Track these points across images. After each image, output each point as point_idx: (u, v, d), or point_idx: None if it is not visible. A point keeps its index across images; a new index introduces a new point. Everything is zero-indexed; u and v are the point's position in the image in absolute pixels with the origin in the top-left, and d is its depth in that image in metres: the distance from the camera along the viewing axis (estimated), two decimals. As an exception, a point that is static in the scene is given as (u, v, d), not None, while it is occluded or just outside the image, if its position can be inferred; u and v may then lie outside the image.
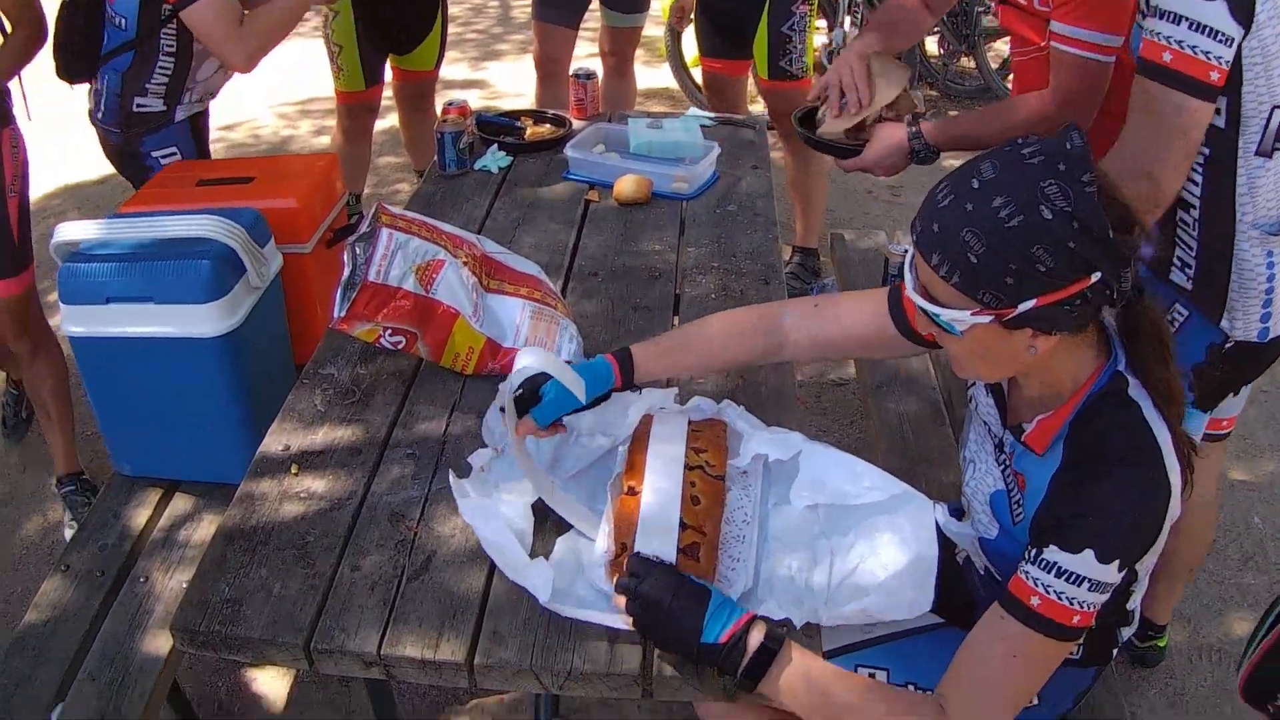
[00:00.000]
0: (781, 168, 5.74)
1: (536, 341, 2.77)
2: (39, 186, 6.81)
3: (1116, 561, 1.83)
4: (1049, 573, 1.86)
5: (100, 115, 4.08)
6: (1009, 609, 1.91)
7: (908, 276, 1.97)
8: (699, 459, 2.30)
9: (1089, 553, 1.82)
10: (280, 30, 4.00)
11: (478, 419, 2.63)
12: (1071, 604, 1.84)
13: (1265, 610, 2.03)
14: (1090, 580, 1.84)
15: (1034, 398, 2.09)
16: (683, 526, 2.14)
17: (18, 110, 3.84)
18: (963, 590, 2.48)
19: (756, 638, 1.93)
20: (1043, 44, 3.15)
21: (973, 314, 1.83)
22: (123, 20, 3.86)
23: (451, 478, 2.33)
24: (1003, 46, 8.65)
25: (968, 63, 8.57)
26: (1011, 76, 3.44)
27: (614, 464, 2.39)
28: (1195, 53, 2.31)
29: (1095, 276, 1.77)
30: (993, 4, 3.41)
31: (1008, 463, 2.18)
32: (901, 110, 3.37)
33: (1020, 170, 1.79)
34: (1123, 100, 2.63)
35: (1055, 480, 1.99)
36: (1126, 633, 2.32)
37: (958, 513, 2.56)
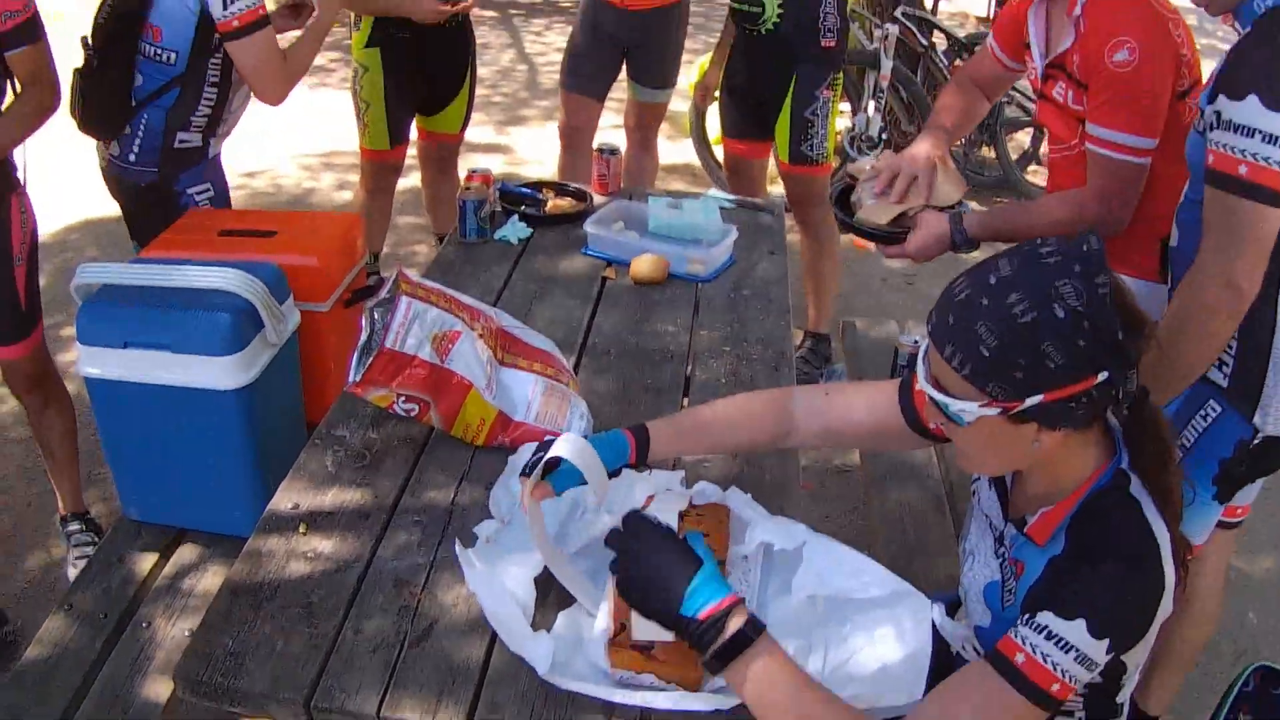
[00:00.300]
0: (797, 251, 5.78)
1: (547, 419, 2.80)
2: (58, 220, 6.87)
3: (1107, 640, 1.83)
4: (1039, 634, 1.86)
5: (134, 158, 4.07)
6: (992, 662, 1.91)
7: (920, 367, 2.01)
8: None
9: (1081, 623, 1.83)
10: (308, 65, 4.22)
11: (486, 490, 2.66)
12: (1055, 669, 1.84)
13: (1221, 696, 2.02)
14: (1078, 651, 1.84)
15: (1038, 493, 2.11)
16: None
17: (21, 174, 3.84)
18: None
19: (736, 623, 1.92)
20: (1074, 142, 3.26)
21: (980, 405, 1.87)
22: (171, 55, 3.90)
23: (457, 547, 2.35)
24: (1023, 138, 8.70)
25: (988, 153, 8.61)
26: (1046, 172, 3.51)
27: None
28: (1269, 164, 2.37)
29: (1102, 376, 1.81)
30: (1032, 100, 3.50)
31: (1006, 555, 2.20)
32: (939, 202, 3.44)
33: (1037, 269, 1.83)
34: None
35: (1053, 562, 2.02)
36: None
37: (953, 609, 2.58)
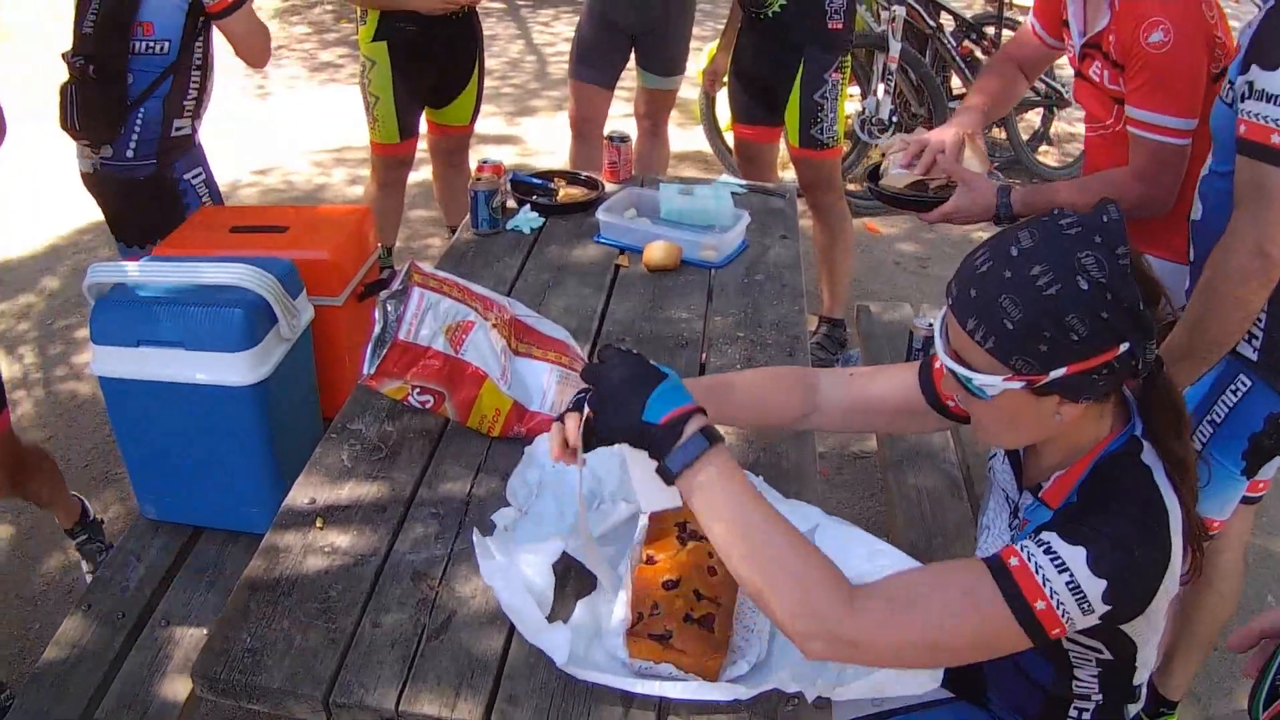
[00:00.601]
0: (809, 236, 5.77)
1: (562, 405, 2.79)
2: (70, 221, 6.95)
3: (1105, 584, 1.79)
4: (1039, 548, 1.83)
5: (132, 153, 4.21)
6: (986, 560, 1.87)
7: (939, 341, 1.99)
8: None
9: (1082, 551, 1.80)
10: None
11: (503, 481, 2.65)
12: (1045, 585, 1.80)
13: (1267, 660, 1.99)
14: (1072, 576, 1.79)
15: (1052, 462, 2.10)
16: (699, 597, 2.17)
17: None
18: (973, 667, 2.48)
19: (694, 426, 1.91)
20: (1109, 121, 3.28)
21: (1005, 380, 1.86)
22: (164, 45, 4.03)
23: (475, 535, 2.35)
24: (1033, 118, 8.67)
25: (999, 133, 8.59)
26: (1055, 152, 3.58)
27: (634, 532, 2.42)
28: None
29: (1124, 347, 1.81)
30: (1076, 90, 3.51)
31: (1020, 526, 2.19)
32: None
33: (1058, 241, 1.82)
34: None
35: (1063, 508, 2.02)
36: (1134, 709, 2.31)
37: None
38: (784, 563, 1.85)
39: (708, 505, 1.90)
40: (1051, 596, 1.79)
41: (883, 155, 3.73)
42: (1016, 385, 1.86)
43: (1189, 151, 3.07)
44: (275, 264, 3.41)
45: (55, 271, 6.53)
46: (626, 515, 2.49)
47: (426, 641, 2.20)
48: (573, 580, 2.36)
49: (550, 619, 2.20)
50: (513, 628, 2.21)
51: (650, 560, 2.26)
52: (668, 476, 1.91)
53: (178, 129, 4.25)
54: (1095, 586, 1.79)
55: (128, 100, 4.09)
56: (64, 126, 4.10)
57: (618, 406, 1.96)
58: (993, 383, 1.87)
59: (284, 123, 9.17)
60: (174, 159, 4.29)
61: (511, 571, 2.25)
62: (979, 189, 3.31)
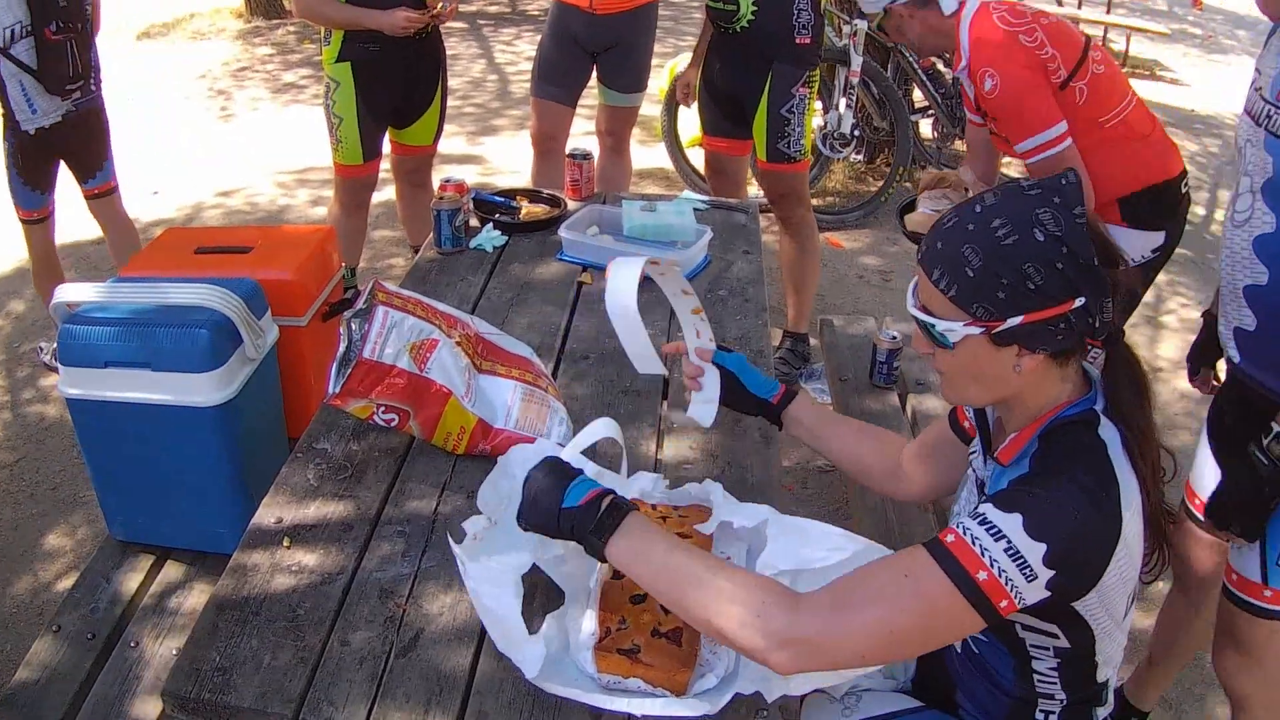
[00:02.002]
0: (772, 252, 5.79)
1: (527, 425, 2.81)
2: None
3: (1044, 547, 1.80)
4: (974, 520, 1.86)
5: (94, 87, 5.20)
6: (925, 543, 1.91)
7: (910, 297, 2.09)
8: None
9: (1019, 517, 1.82)
10: None
11: (469, 498, 2.66)
12: (983, 555, 1.82)
13: None
14: (1010, 543, 1.81)
15: (1012, 430, 2.14)
16: (666, 611, 2.18)
17: None
18: (941, 672, 2.49)
19: (608, 502, 2.03)
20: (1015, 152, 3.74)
21: (965, 325, 1.95)
22: None
23: (451, 543, 2.34)
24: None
25: (961, 146, 8.62)
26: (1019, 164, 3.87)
27: None
28: None
29: (1079, 301, 1.90)
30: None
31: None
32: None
33: (1020, 199, 1.95)
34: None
35: (1013, 478, 2.01)
36: (1102, 713, 2.33)
37: None
38: (722, 591, 1.92)
39: (637, 561, 2.01)
40: (992, 565, 1.82)
41: (918, 193, 3.93)
42: (976, 330, 1.95)
43: (1074, 148, 3.62)
44: (240, 284, 3.42)
45: (21, 294, 6.51)
46: None
47: (395, 659, 2.20)
48: (540, 594, 2.37)
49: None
50: (481, 644, 2.22)
51: (617, 574, 2.27)
52: (596, 550, 2.03)
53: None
54: (1035, 550, 1.81)
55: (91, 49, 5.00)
56: (52, 86, 4.83)
57: (541, 507, 2.09)
58: (954, 328, 1.97)
59: (247, 144, 9.16)
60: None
61: (494, 577, 2.26)
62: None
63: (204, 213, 7.77)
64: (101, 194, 5.45)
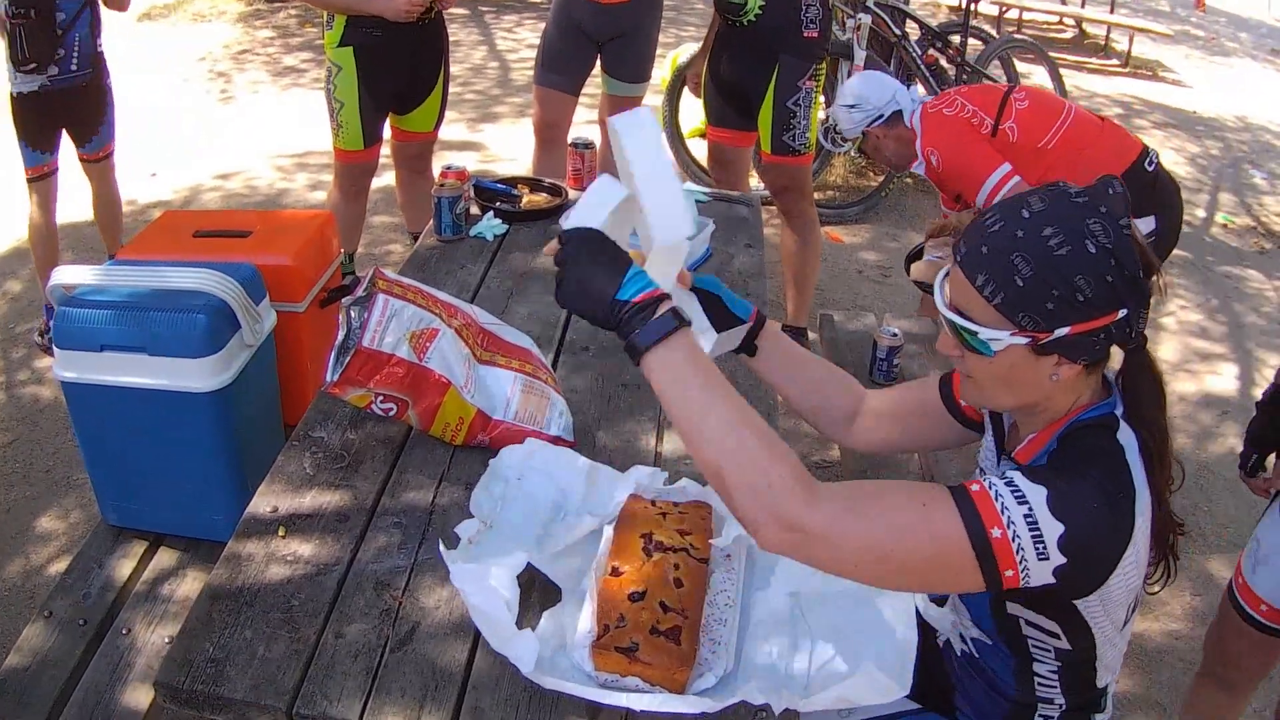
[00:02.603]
0: (774, 245, 5.77)
1: (526, 416, 2.79)
2: (34, 227, 6.87)
3: (1062, 529, 1.79)
4: (1001, 479, 1.85)
5: (74, 65, 5.37)
6: (949, 485, 1.88)
7: (938, 294, 2.02)
8: (684, 541, 2.33)
9: (1043, 490, 1.81)
10: None
11: (466, 490, 2.64)
12: (1003, 514, 1.80)
13: None
14: (1030, 510, 1.80)
15: (1029, 431, 2.11)
16: (665, 609, 2.16)
17: None
18: (941, 675, 2.49)
19: (665, 307, 1.88)
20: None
21: (1011, 334, 1.89)
22: None
23: (441, 549, 2.33)
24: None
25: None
26: None
27: (599, 545, 2.41)
28: None
29: (1122, 312, 1.86)
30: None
31: None
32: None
33: (1068, 206, 1.89)
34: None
35: (1029, 466, 2.00)
36: (1100, 719, 2.31)
37: (939, 600, 2.57)
38: (746, 445, 1.82)
39: (674, 382, 1.88)
40: (1009, 527, 1.80)
41: (925, 241, 4.16)
42: (1022, 341, 1.89)
43: (1021, 180, 4.04)
44: (238, 269, 3.39)
45: (18, 275, 6.49)
46: (591, 527, 2.48)
47: (390, 653, 2.19)
48: (538, 592, 2.35)
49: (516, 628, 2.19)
50: (477, 639, 2.21)
51: (615, 572, 2.25)
52: (635, 353, 1.89)
53: (99, 46, 5.48)
54: (1053, 529, 1.80)
55: (58, 31, 5.19)
56: (13, 60, 5.13)
57: (591, 290, 1.93)
58: (999, 337, 1.90)
59: (247, 127, 9.12)
60: (101, 55, 5.54)
61: (482, 577, 2.24)
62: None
63: (202, 195, 7.74)
64: (94, 160, 5.81)
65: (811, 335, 5.82)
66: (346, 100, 5.29)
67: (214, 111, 9.59)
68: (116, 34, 10.10)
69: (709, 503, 2.52)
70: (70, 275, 3.31)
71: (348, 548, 2.47)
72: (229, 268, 3.35)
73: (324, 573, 2.39)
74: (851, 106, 4.75)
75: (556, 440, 2.78)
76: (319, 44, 5.73)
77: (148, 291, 3.25)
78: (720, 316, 2.46)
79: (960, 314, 1.95)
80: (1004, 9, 11.60)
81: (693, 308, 2.47)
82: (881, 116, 4.64)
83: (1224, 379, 6.25)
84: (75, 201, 6.19)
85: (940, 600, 2.56)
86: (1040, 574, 1.82)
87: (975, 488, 1.84)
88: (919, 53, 7.98)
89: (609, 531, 2.41)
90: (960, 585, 1.88)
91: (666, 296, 1.92)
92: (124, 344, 3.18)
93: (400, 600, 2.32)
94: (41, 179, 5.46)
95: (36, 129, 5.40)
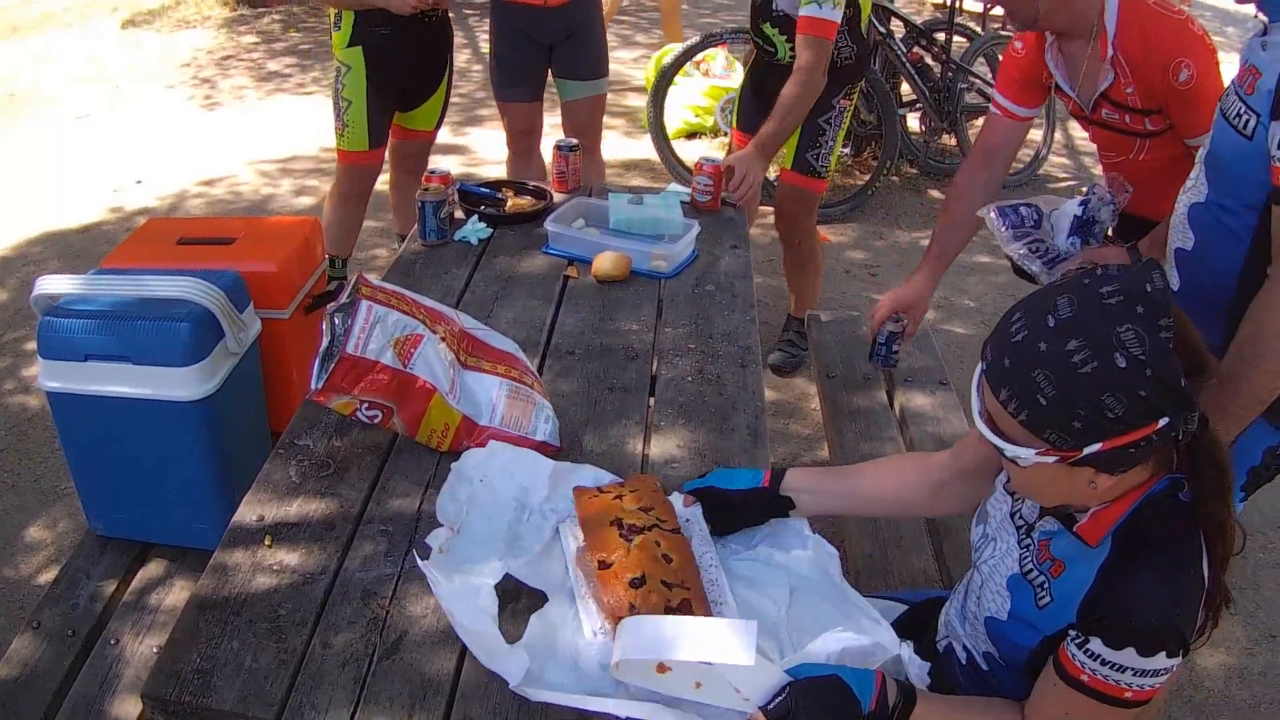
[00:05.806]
0: (760, 245, 5.76)
1: (512, 421, 2.78)
2: (20, 232, 6.86)
3: (1162, 654, 1.84)
4: (1094, 660, 1.89)
5: None
6: (1062, 678, 1.96)
7: (975, 399, 1.99)
8: (650, 518, 2.34)
9: (1131, 651, 1.85)
10: None
11: (451, 497, 2.62)
12: (1119, 683, 1.88)
13: None
14: (1134, 669, 1.86)
15: (1094, 510, 2.06)
16: (668, 586, 2.17)
17: None
18: (945, 680, 2.46)
19: (893, 688, 2.00)
20: (1130, 155, 3.55)
21: (1038, 453, 1.85)
22: None
23: (419, 561, 2.31)
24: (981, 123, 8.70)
25: (949, 140, 8.64)
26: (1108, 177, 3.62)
27: (563, 541, 2.46)
28: None
29: (1163, 422, 1.78)
30: (1084, 128, 3.68)
31: (1034, 546, 2.16)
32: None
33: (1098, 311, 1.78)
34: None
35: (1103, 570, 1.98)
36: None
37: (918, 633, 2.59)
38: None
39: None
40: (1129, 686, 1.90)
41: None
42: (1050, 459, 1.85)
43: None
44: (222, 276, 3.39)
45: (4, 284, 6.47)
46: (555, 524, 2.49)
47: (378, 662, 2.18)
48: (524, 598, 2.34)
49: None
50: (465, 648, 2.19)
51: (604, 564, 2.25)
52: None
53: None
54: (1155, 661, 1.86)
55: None
56: None
57: (839, 713, 1.98)
58: (1025, 455, 1.87)
59: (231, 133, 9.11)
60: None
61: (468, 594, 2.23)
62: (1108, 255, 3.41)
63: (187, 202, 7.71)
64: None
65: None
66: (354, 100, 5.29)
67: (198, 117, 9.57)
68: (100, 40, 10.08)
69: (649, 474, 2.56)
70: (54, 284, 3.31)
71: (334, 556, 2.46)
72: (212, 275, 3.35)
73: (311, 582, 2.38)
74: None
75: (543, 445, 2.77)
76: (303, 49, 5.72)
77: (131, 300, 3.25)
78: (732, 503, 2.54)
79: (990, 426, 1.94)
80: (989, 5, 11.60)
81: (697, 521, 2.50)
82: None
83: None
84: (58, 210, 6.17)
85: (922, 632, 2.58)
86: (1169, 673, 1.92)
87: (1085, 678, 1.93)
88: (904, 51, 8.00)
89: (564, 529, 2.47)
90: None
91: (882, 676, 2.03)
92: (108, 353, 3.19)
93: (387, 609, 2.31)
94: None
95: None
